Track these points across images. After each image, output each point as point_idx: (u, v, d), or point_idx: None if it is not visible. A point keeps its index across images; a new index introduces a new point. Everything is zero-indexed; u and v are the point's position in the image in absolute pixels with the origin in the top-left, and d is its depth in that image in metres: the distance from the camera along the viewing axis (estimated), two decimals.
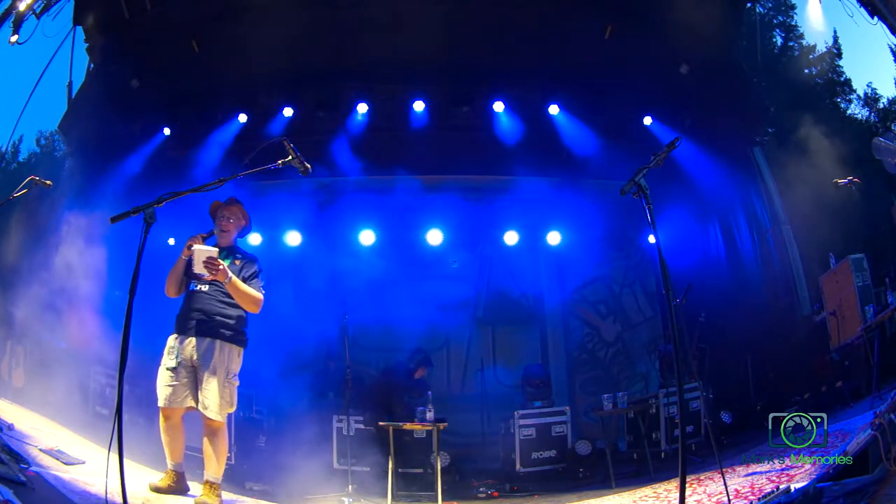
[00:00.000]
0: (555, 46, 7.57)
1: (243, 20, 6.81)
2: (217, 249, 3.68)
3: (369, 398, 7.03)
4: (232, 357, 3.80)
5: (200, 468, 5.23)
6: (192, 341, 3.74)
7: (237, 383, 3.84)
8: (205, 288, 3.82)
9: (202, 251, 3.59)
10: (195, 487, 3.91)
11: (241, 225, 4.11)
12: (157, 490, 3.74)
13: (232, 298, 3.80)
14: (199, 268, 3.59)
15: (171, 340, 3.79)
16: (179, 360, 3.72)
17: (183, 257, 3.74)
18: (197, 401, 3.72)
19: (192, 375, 3.74)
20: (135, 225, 3.27)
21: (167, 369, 3.72)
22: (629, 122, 8.23)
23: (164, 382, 3.72)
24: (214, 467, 3.71)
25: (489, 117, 8.31)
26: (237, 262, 3.91)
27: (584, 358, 9.64)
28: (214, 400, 3.67)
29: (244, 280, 3.84)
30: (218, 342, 3.74)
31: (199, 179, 3.56)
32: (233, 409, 3.81)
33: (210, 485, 3.71)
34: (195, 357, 3.71)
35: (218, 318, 3.78)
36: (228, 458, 5.57)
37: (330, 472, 5.99)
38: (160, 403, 3.72)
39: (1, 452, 3.39)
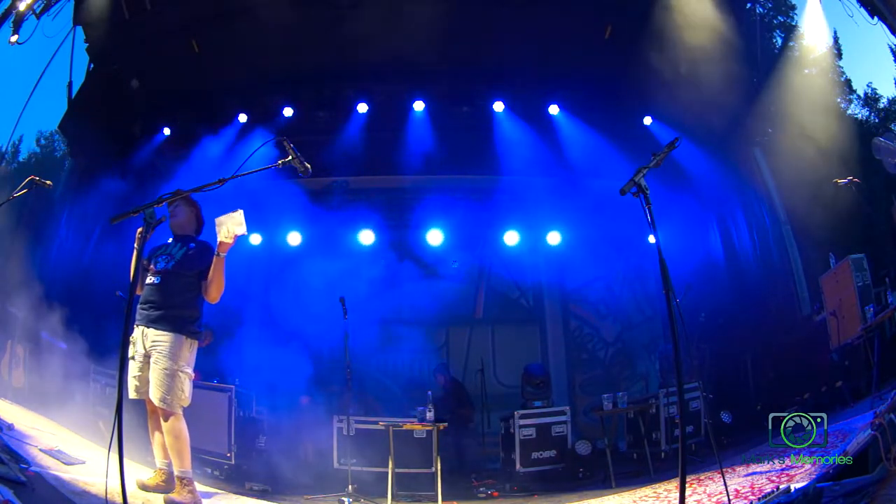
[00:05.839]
0: (555, 46, 7.58)
1: (243, 20, 6.82)
2: (241, 211, 3.69)
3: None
4: (181, 347, 3.73)
5: (201, 467, 5.26)
6: (144, 332, 3.76)
7: (191, 375, 3.78)
8: (158, 280, 3.82)
9: (225, 217, 3.67)
10: (196, 488, 3.90)
11: (191, 212, 4.09)
12: (144, 487, 3.73)
13: (184, 291, 3.81)
14: (226, 233, 3.66)
15: (135, 332, 3.80)
16: (138, 350, 3.75)
17: (136, 247, 3.55)
18: None
19: (149, 366, 3.75)
20: (135, 225, 3.28)
21: (131, 361, 3.75)
22: (629, 122, 8.24)
23: (130, 374, 3.75)
24: (177, 461, 3.66)
25: (489, 117, 8.32)
26: (190, 252, 3.91)
27: (584, 358, 9.65)
28: (157, 387, 3.64)
29: (201, 270, 3.84)
30: (166, 332, 3.72)
31: (199, 179, 3.55)
32: (185, 403, 3.72)
33: (179, 480, 3.65)
34: (147, 346, 3.72)
35: (168, 308, 3.76)
36: (228, 458, 5.60)
37: (330, 472, 5.99)
38: (129, 395, 3.73)
39: (1, 452, 3.39)
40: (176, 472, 3.67)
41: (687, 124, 7.60)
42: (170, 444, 3.67)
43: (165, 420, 3.67)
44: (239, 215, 3.68)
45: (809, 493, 3.25)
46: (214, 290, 3.82)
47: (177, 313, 3.78)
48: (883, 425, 3.38)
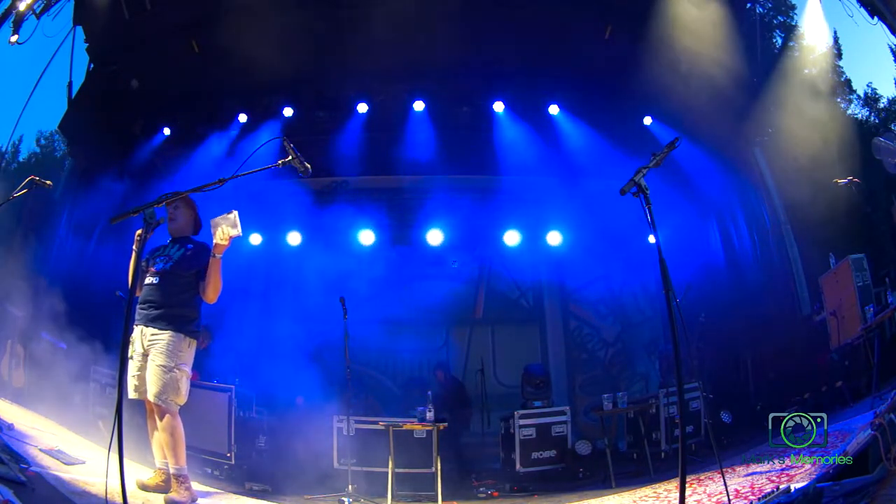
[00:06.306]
0: (555, 46, 7.57)
1: (243, 20, 6.81)
2: (235, 212, 3.72)
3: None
4: (179, 345, 3.77)
5: (201, 467, 5.26)
6: (143, 331, 3.78)
7: (188, 374, 3.80)
8: (156, 280, 3.86)
9: (220, 219, 3.71)
10: (196, 488, 3.90)
11: (190, 214, 4.13)
12: (144, 487, 3.74)
13: (182, 291, 3.85)
14: (221, 235, 3.69)
15: (134, 332, 3.82)
16: (136, 350, 3.77)
17: (134, 249, 3.61)
18: None
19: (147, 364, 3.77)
20: (135, 225, 3.28)
21: (130, 360, 3.76)
22: (629, 122, 8.24)
23: (129, 374, 3.77)
24: (172, 459, 3.68)
25: (489, 117, 8.32)
26: (188, 253, 3.94)
27: (583, 358, 9.65)
28: (153, 383, 3.66)
29: (199, 270, 3.87)
30: (164, 331, 3.74)
31: (199, 179, 3.55)
32: (181, 401, 3.75)
33: (175, 478, 3.67)
34: (146, 345, 3.75)
35: (167, 308, 3.80)
36: (228, 458, 5.61)
37: (330, 472, 5.99)
38: (128, 395, 3.75)
39: (1, 452, 3.39)
40: (171, 470, 3.69)
41: (687, 124, 7.60)
42: (165, 441, 3.69)
43: (161, 418, 3.69)
44: (233, 216, 3.69)
45: (809, 493, 3.25)
46: (211, 291, 3.85)
47: (176, 312, 3.81)
48: (883, 425, 3.38)
